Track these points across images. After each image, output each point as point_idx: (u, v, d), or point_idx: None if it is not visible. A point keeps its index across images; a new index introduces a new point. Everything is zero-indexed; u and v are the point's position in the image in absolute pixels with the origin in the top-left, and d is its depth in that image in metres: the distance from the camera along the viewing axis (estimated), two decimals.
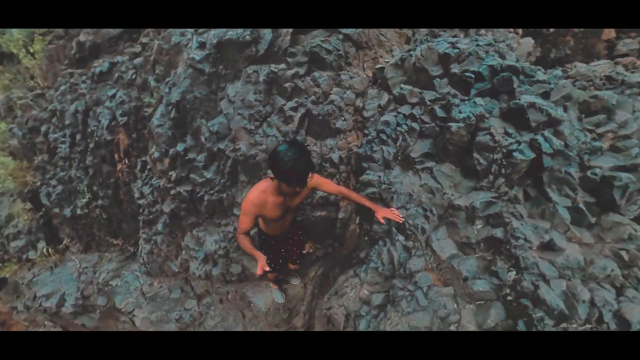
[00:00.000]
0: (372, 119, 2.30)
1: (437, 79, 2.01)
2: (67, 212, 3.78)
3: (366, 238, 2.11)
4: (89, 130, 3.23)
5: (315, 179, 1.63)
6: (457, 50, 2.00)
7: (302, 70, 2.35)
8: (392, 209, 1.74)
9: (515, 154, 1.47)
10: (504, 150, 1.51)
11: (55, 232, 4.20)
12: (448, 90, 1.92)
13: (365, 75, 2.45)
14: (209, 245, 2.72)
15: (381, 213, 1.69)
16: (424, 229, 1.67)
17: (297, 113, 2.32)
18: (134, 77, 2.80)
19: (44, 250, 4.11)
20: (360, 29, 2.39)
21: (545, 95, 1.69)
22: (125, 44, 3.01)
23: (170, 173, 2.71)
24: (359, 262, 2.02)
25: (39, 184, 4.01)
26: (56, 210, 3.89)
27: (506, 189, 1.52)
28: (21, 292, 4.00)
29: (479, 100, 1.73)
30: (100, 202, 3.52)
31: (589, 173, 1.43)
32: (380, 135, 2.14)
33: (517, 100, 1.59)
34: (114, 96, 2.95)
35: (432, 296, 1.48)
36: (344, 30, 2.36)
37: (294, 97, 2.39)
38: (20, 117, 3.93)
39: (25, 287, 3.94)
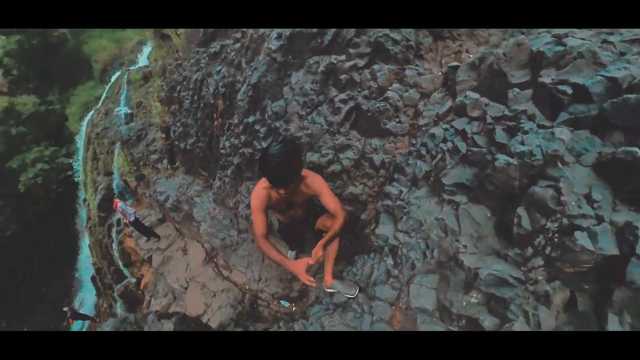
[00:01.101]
0: (424, 128, 1.93)
1: (516, 88, 1.39)
2: (182, 145, 5.44)
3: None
4: (202, 94, 4.46)
5: (318, 186, 1.54)
6: (562, 49, 1.26)
7: (362, 62, 2.19)
8: (319, 255, 1.53)
9: (581, 236, 0.87)
10: (567, 223, 0.93)
11: (173, 156, 6.17)
12: (525, 108, 1.30)
13: (440, 73, 2.02)
14: None
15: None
16: (414, 266, 1.44)
17: (346, 106, 2.32)
18: (233, 58, 3.67)
19: (166, 165, 6.10)
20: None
21: None
22: (234, 30, 3.91)
23: (241, 136, 3.56)
24: (352, 263, 2.04)
25: (170, 123, 5.84)
26: (176, 142, 5.65)
27: (539, 278, 0.99)
28: (148, 186, 6.26)
29: (561, 131, 1.09)
30: (200, 144, 4.91)
31: None
32: (421, 148, 1.82)
33: (637, 150, 0.87)
34: (219, 71, 3.90)
35: (374, 328, 1.33)
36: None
37: (347, 89, 2.30)
38: (168, 78, 5.67)
39: (152, 184, 6.16)
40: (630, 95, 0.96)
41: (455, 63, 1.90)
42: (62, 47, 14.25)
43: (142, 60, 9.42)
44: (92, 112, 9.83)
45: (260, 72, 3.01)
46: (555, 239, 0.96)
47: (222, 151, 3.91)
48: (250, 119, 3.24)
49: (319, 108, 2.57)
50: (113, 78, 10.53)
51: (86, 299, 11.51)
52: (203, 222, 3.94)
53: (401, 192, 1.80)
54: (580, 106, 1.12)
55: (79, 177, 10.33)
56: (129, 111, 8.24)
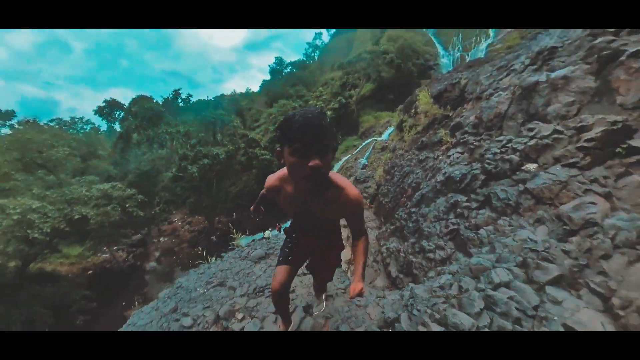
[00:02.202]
0: None
1: None
2: (382, 200, 8.72)
3: None
4: (404, 179, 7.30)
5: (359, 204, 1.19)
6: None
7: None
8: (360, 291, 1.17)
9: None
10: None
11: (374, 201, 9.71)
12: None
13: None
14: None
15: (354, 287, 1.20)
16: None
17: None
18: (432, 166, 6.05)
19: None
20: None
21: None
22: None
23: (408, 219, 5.83)
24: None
25: (381, 184, 9.41)
26: (380, 197, 9.08)
27: None
28: None
29: None
30: (389, 204, 7.82)
31: None
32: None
33: None
34: (417, 173, 6.52)
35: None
36: None
37: None
38: (393, 156, 9.28)
39: None
40: None
41: None
42: (351, 115, 24.93)
43: (385, 135, 14.72)
44: (348, 156, 16.90)
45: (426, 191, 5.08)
46: None
47: (396, 215, 6.37)
48: (414, 209, 5.38)
49: None
50: (367, 141, 17.37)
51: None
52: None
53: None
54: None
55: None
56: (366, 163, 13.51)
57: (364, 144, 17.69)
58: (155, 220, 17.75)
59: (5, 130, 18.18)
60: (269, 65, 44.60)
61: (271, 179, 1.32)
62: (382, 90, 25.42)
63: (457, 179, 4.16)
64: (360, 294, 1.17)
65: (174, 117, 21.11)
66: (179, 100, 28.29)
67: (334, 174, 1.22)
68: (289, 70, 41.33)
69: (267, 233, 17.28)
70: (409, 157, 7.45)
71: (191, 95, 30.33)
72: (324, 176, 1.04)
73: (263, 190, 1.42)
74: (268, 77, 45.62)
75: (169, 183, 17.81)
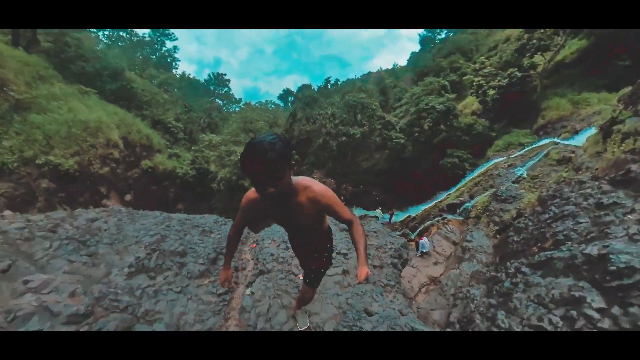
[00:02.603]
0: None
1: None
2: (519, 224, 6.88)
3: None
4: (564, 220, 5.33)
5: (329, 199, 1.28)
6: None
7: None
8: (366, 274, 1.19)
9: None
10: None
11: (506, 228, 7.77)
12: None
13: None
14: None
15: (360, 272, 1.19)
16: None
17: None
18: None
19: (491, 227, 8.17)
20: None
21: None
22: None
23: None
24: None
25: (540, 211, 7.20)
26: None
27: None
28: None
29: None
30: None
31: None
32: None
33: None
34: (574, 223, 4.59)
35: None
36: None
37: None
38: (558, 182, 6.59)
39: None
40: None
41: None
42: (529, 95, 17.44)
43: (577, 139, 9.18)
44: (502, 158, 13.04)
45: None
46: None
47: (508, 264, 5.09)
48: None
49: None
50: (541, 141, 11.87)
51: None
52: None
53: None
54: None
55: None
56: (523, 175, 9.66)
57: (535, 144, 11.75)
58: (303, 173, 23.48)
59: (236, 109, 31.94)
60: (419, 34, 39.60)
61: (250, 194, 1.38)
62: (598, 52, 13.68)
63: (625, 270, 2.53)
64: (366, 278, 1.19)
65: (325, 99, 25.87)
66: (329, 86, 36.07)
67: (298, 178, 1.30)
68: (443, 36, 34.10)
69: (378, 212, 18.20)
70: (589, 189, 4.88)
71: (338, 80, 35.52)
72: (283, 195, 1.17)
73: (240, 210, 1.46)
74: (418, 48, 42.21)
75: (316, 150, 22.47)
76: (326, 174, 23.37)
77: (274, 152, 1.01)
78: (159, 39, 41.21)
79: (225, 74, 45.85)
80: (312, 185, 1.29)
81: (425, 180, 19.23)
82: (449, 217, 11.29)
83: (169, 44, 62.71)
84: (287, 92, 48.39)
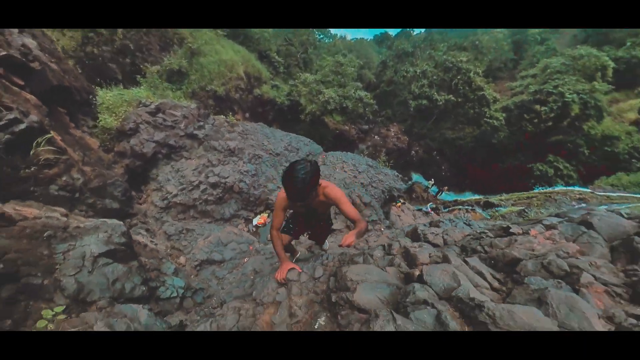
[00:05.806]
0: None
1: None
2: None
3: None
4: None
5: (336, 196, 1.70)
6: None
7: None
8: (350, 242, 1.50)
9: None
10: None
11: None
12: None
13: None
14: None
15: (347, 237, 1.52)
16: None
17: None
18: None
19: None
20: None
21: None
22: None
23: None
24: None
25: None
26: None
27: None
28: None
29: None
30: None
31: None
32: None
33: None
34: None
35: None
36: None
37: None
38: None
39: None
40: None
41: None
42: None
43: None
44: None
45: None
46: None
47: None
48: None
49: None
50: None
51: None
52: None
53: None
54: None
55: None
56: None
57: None
58: (377, 124, 24.54)
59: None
60: None
61: (282, 194, 1.78)
62: None
63: None
64: (348, 245, 1.50)
65: (426, 49, 22.49)
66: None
67: (321, 182, 1.72)
68: None
69: (430, 183, 18.68)
70: None
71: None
72: (310, 204, 1.73)
73: (276, 210, 1.83)
74: None
75: (397, 106, 22.63)
76: (404, 131, 23.63)
77: (302, 182, 1.49)
78: None
79: None
80: (328, 185, 1.78)
81: (503, 176, 16.90)
82: (478, 210, 11.83)
83: None
84: (382, 38, 44.13)
